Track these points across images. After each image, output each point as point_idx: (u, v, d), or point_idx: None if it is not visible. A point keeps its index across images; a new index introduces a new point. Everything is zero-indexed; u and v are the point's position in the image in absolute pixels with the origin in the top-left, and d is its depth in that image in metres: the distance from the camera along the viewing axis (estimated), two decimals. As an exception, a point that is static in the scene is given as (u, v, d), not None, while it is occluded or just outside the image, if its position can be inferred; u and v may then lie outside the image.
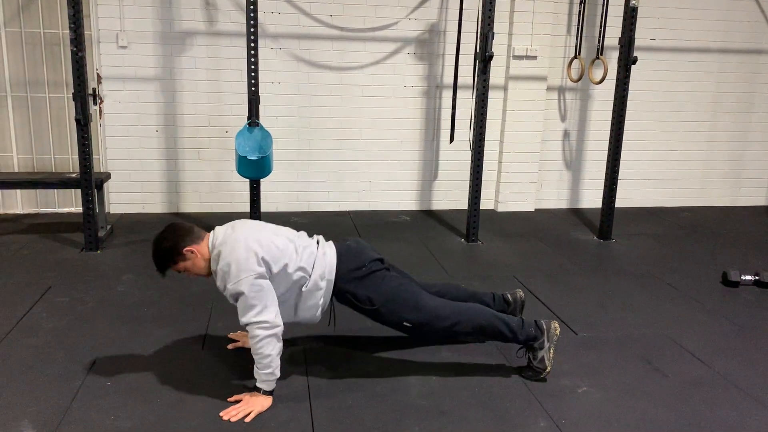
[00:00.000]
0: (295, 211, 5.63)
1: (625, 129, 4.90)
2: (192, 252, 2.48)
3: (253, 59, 4.19)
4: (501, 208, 5.87)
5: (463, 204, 5.42)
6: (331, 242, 2.71)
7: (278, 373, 2.45)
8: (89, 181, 4.23)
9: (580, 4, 5.40)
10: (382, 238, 4.83)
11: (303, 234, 2.70)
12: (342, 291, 2.61)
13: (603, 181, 5.02)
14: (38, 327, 3.11)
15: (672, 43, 5.90)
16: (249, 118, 4.27)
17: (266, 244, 2.46)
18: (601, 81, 5.14)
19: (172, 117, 5.31)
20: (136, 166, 5.34)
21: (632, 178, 6.14)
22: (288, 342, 2.86)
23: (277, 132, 5.34)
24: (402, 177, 5.75)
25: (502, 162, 5.78)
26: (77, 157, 4.23)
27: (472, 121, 4.79)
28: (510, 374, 2.77)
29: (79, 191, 4.75)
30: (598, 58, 5.18)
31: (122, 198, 5.39)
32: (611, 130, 4.86)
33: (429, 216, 5.62)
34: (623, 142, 4.93)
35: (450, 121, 5.24)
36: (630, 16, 4.58)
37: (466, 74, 5.29)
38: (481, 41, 4.58)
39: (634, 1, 4.53)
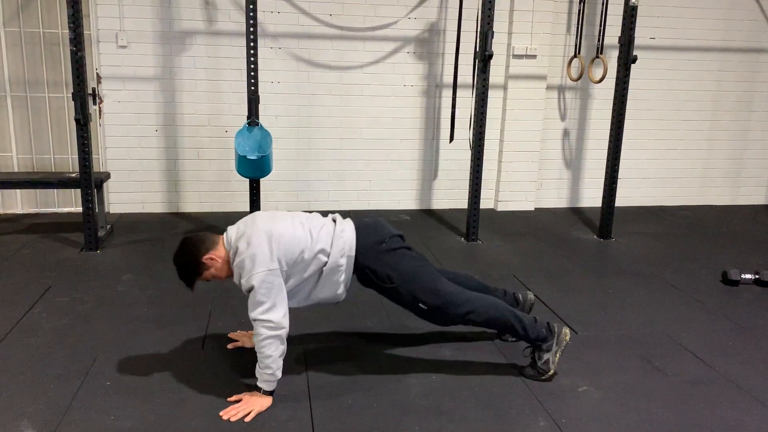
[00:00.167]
0: (295, 211, 5.62)
1: (624, 128, 4.90)
2: (212, 259, 2.51)
3: (252, 59, 4.19)
4: (501, 208, 5.87)
5: (462, 203, 5.42)
6: (348, 219, 2.70)
7: (279, 375, 2.45)
8: (89, 181, 4.23)
9: (580, 2, 5.39)
10: (382, 238, 4.83)
11: (315, 215, 2.68)
12: (362, 267, 2.59)
13: (603, 180, 5.02)
14: (38, 327, 3.11)
15: (672, 42, 5.89)
16: (248, 117, 4.26)
17: (279, 236, 2.45)
18: (601, 80, 5.14)
19: (172, 117, 5.31)
20: (135, 165, 5.34)
21: (632, 177, 6.14)
22: (288, 341, 2.85)
23: (277, 131, 5.33)
24: (402, 176, 5.75)
25: (502, 161, 5.77)
26: (77, 156, 4.23)
27: (472, 120, 4.78)
28: (510, 374, 2.77)
29: (78, 191, 4.75)
30: (597, 57, 5.18)
31: (122, 198, 5.39)
32: (611, 129, 4.86)
33: (429, 215, 5.62)
34: (623, 141, 4.93)
35: (450, 120, 5.24)
36: (630, 14, 4.58)
37: (466, 73, 5.28)
38: (480, 40, 4.58)
39: (633, 0, 4.52)
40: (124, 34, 5.08)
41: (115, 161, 5.30)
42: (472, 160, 4.80)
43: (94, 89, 5.07)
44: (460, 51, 5.06)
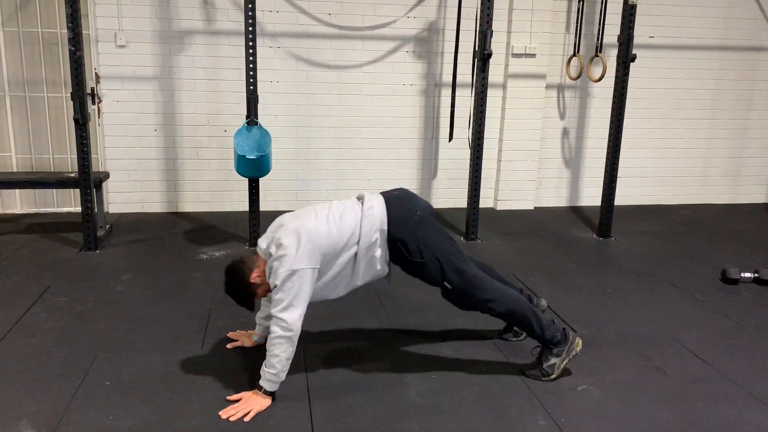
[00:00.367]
0: (294, 210, 5.61)
1: (624, 127, 4.89)
2: (258, 276, 2.53)
3: (251, 58, 4.18)
4: (500, 207, 5.87)
5: (462, 202, 5.42)
6: (377, 194, 2.68)
7: (282, 377, 2.45)
8: (88, 181, 4.23)
9: (579, 1, 5.39)
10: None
11: (339, 203, 2.64)
12: (394, 240, 2.56)
13: (602, 178, 5.02)
14: (37, 327, 3.10)
15: (671, 41, 5.89)
16: (248, 117, 4.26)
17: (307, 235, 2.43)
18: (600, 79, 5.14)
19: (171, 116, 5.30)
20: (134, 165, 5.34)
21: (631, 175, 6.13)
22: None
23: (276, 131, 5.33)
24: (401, 175, 5.75)
25: (502, 160, 5.77)
26: (76, 156, 4.22)
27: (471, 119, 4.78)
28: (510, 373, 2.77)
29: (77, 191, 4.75)
30: (597, 55, 5.17)
31: (121, 197, 5.38)
32: (610, 127, 4.85)
33: (428, 214, 5.61)
34: (622, 139, 4.92)
35: (449, 119, 5.23)
36: (629, 13, 4.58)
37: (465, 72, 5.28)
38: (479, 39, 4.57)
39: (632, -1, 4.52)
40: (123, 34, 5.07)
41: (114, 161, 5.30)
42: (471, 159, 4.80)
43: (92, 89, 5.06)
44: (459, 50, 5.06)
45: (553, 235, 5.05)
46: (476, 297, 2.64)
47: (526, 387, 2.65)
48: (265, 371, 2.43)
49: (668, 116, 6.09)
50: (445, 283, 2.62)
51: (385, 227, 2.55)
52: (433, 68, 5.59)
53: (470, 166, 4.82)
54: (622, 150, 5.01)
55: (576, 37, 5.42)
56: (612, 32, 5.30)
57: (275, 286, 2.42)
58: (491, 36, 4.52)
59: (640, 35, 5.58)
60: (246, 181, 4.64)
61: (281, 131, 5.42)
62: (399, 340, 3.07)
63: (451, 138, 5.22)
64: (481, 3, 4.52)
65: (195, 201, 5.51)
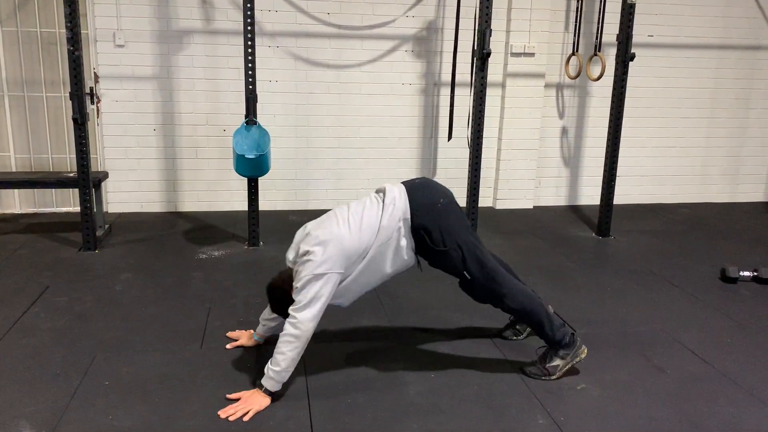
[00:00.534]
0: (294, 210, 5.63)
1: (623, 126, 4.89)
2: (296, 288, 2.53)
3: (250, 57, 4.18)
4: (499, 206, 5.87)
5: (461, 201, 5.36)
6: (399, 184, 2.67)
7: (285, 378, 2.45)
8: (87, 181, 4.23)
9: (578, 0, 5.39)
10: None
11: (359, 204, 2.62)
12: (417, 228, 2.55)
13: (601, 178, 5.02)
14: (36, 327, 3.10)
15: (670, 40, 5.89)
16: (246, 116, 4.26)
17: (329, 242, 2.44)
18: (599, 78, 5.14)
19: (170, 116, 5.30)
20: (133, 165, 5.34)
21: (630, 174, 6.14)
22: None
23: (275, 130, 5.32)
24: (400, 175, 5.74)
25: (501, 159, 5.77)
26: (75, 156, 4.22)
27: (470, 118, 4.78)
28: (509, 372, 2.77)
29: (76, 191, 4.75)
30: (595, 54, 5.17)
31: (120, 197, 5.38)
32: (609, 126, 4.85)
33: (427, 214, 5.61)
34: (621, 138, 4.92)
35: (448, 118, 5.23)
36: (628, 12, 4.58)
37: (464, 71, 5.27)
38: (478, 38, 4.57)
39: (631, -2, 4.52)
40: (122, 34, 5.07)
41: (113, 160, 5.29)
42: (470, 159, 4.80)
43: (91, 89, 5.06)
44: (458, 49, 5.06)
45: (553, 234, 5.05)
46: (493, 289, 2.64)
47: (525, 386, 2.65)
48: (269, 368, 2.43)
49: (667, 115, 6.09)
50: (465, 273, 2.62)
51: (409, 216, 2.55)
52: (432, 67, 5.59)
53: (469, 165, 4.82)
54: (621, 149, 5.01)
55: (575, 36, 5.42)
56: (611, 31, 5.30)
57: (296, 288, 2.44)
58: (490, 35, 4.52)
59: (638, 34, 5.57)
60: (245, 180, 4.64)
61: (280, 131, 5.42)
62: (398, 340, 3.07)
63: (450, 137, 5.22)
64: (480, 2, 4.51)
65: (194, 200, 5.50)
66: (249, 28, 4.12)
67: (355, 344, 3.01)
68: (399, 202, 2.56)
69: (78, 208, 4.50)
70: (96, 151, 5.25)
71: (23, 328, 3.09)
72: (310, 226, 2.59)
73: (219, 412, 2.38)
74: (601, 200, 5.00)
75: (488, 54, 4.54)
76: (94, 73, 5.11)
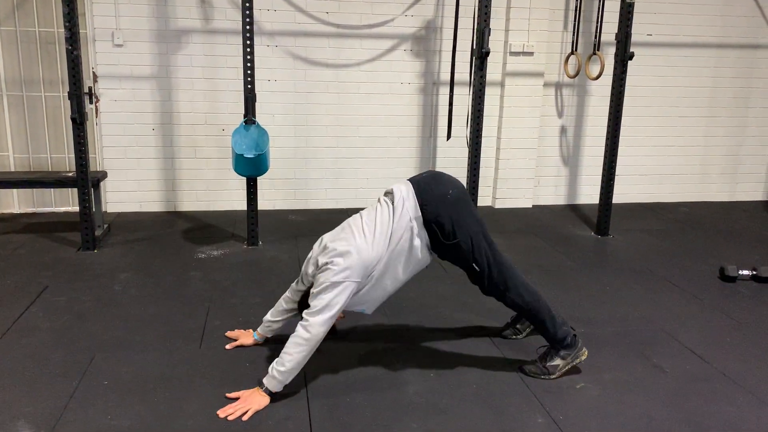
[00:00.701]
0: (293, 209, 5.63)
1: (622, 125, 4.90)
2: None
3: (249, 57, 4.17)
4: (498, 205, 5.87)
5: (460, 201, 5.41)
6: (405, 181, 2.67)
7: (288, 380, 2.45)
8: (85, 180, 4.22)
9: (577, -1, 5.39)
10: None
11: (364, 213, 2.64)
12: (429, 222, 2.55)
13: (600, 176, 5.02)
14: (35, 327, 3.10)
15: (669, 39, 5.89)
16: (245, 115, 4.25)
17: (349, 253, 2.45)
18: (598, 77, 5.14)
19: (169, 115, 5.30)
20: (132, 164, 5.33)
21: (629, 173, 6.14)
22: (284, 339, 2.85)
23: (274, 130, 5.32)
24: (399, 174, 5.74)
25: (500, 158, 5.78)
26: (73, 156, 4.22)
27: (469, 117, 4.78)
28: (508, 371, 2.77)
29: (75, 190, 4.74)
30: (594, 53, 5.17)
31: (119, 197, 5.38)
32: (608, 125, 4.85)
33: (426, 213, 5.61)
34: (620, 137, 4.93)
35: (447, 117, 5.23)
36: (626, 11, 4.58)
37: (463, 71, 5.27)
38: (477, 37, 4.57)
39: (630, -3, 4.52)
40: (120, 33, 5.06)
41: (111, 160, 5.29)
42: (469, 158, 4.80)
43: (90, 88, 5.06)
44: (457, 48, 5.06)
45: (552, 233, 5.05)
46: (499, 282, 2.64)
47: (524, 385, 2.65)
48: (274, 368, 2.44)
49: (666, 114, 6.09)
50: (474, 264, 2.62)
51: (419, 213, 2.55)
52: (431, 66, 5.59)
53: (468, 164, 4.82)
54: (620, 148, 5.02)
55: (574, 35, 5.42)
56: (610, 30, 5.30)
57: (313, 293, 2.46)
58: (489, 34, 4.52)
59: (637, 33, 5.58)
60: (244, 180, 4.64)
61: (279, 130, 5.41)
62: (398, 339, 3.06)
63: (449, 136, 5.22)
64: (479, 1, 4.51)
65: (193, 200, 5.50)
66: (248, 27, 4.12)
67: (354, 343, 3.01)
68: (408, 202, 2.56)
69: (77, 208, 4.49)
70: (95, 151, 5.25)
71: (22, 327, 3.08)
72: (326, 238, 2.61)
73: (218, 412, 2.38)
74: (600, 199, 5.00)
75: (487, 53, 4.54)
76: (93, 72, 5.11)
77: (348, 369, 2.76)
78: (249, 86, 4.22)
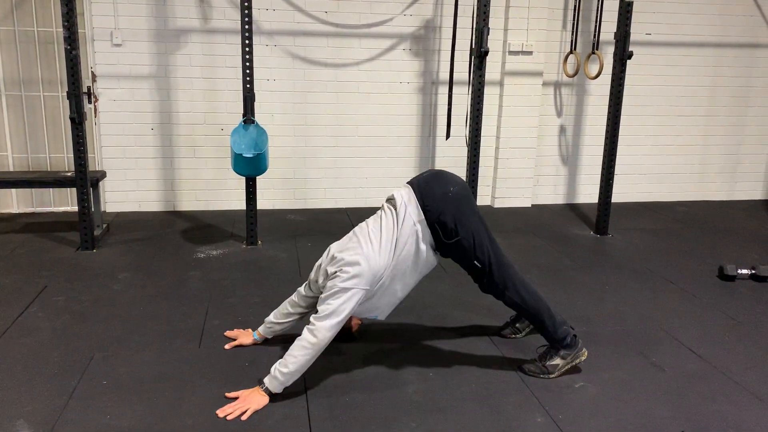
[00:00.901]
0: (292, 209, 5.63)
1: (621, 124, 4.90)
2: None
3: (248, 56, 4.17)
4: (498, 204, 5.87)
5: (459, 200, 5.41)
6: (405, 185, 2.68)
7: (290, 381, 2.46)
8: (84, 180, 4.22)
9: (576, -1, 5.39)
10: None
11: (369, 221, 2.65)
12: (432, 222, 2.56)
13: (599, 176, 5.02)
14: (34, 326, 3.10)
15: (668, 38, 5.89)
16: (244, 115, 4.25)
17: (358, 262, 2.46)
18: (597, 76, 5.14)
19: (168, 115, 5.29)
20: (131, 164, 5.33)
21: (628, 173, 6.14)
22: (283, 339, 2.86)
23: (273, 129, 5.32)
24: (398, 173, 5.74)
25: (499, 158, 5.78)
26: (72, 155, 4.21)
27: (468, 117, 4.78)
28: (507, 370, 2.77)
29: (74, 190, 4.73)
30: (593, 53, 5.18)
31: (118, 197, 5.37)
32: (607, 125, 4.86)
33: (426, 212, 5.61)
34: (619, 136, 4.93)
35: (446, 117, 5.23)
36: (625, 10, 4.58)
37: (462, 70, 5.28)
38: (476, 37, 4.57)
39: (629, -4, 4.52)
40: (119, 32, 5.06)
41: (110, 160, 5.29)
42: (468, 157, 4.80)
43: (89, 88, 5.05)
44: (456, 48, 5.05)
45: (551, 232, 5.05)
46: (500, 281, 2.65)
47: (523, 384, 2.65)
48: (277, 369, 2.44)
49: (665, 113, 6.09)
50: (476, 262, 2.63)
51: (423, 217, 2.56)
52: (430, 66, 5.59)
53: (467, 163, 4.82)
54: (619, 147, 5.02)
55: (573, 34, 5.42)
56: (609, 29, 5.30)
57: (321, 298, 2.47)
58: (488, 33, 4.52)
59: (636, 32, 5.58)
60: (243, 179, 4.64)
61: (278, 129, 5.41)
62: (396, 338, 3.07)
63: (448, 136, 5.22)
64: (478, 0, 4.51)
65: (192, 200, 5.50)
66: (247, 26, 4.12)
67: (353, 343, 3.01)
68: (410, 206, 2.58)
69: (76, 208, 4.49)
70: (94, 151, 5.25)
71: (21, 327, 3.08)
72: (333, 248, 2.62)
73: (217, 411, 2.38)
74: (599, 198, 5.00)
75: (486, 52, 4.54)
76: (92, 72, 5.11)
77: (347, 368, 2.76)
78: (248, 86, 4.22)
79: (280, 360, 2.46)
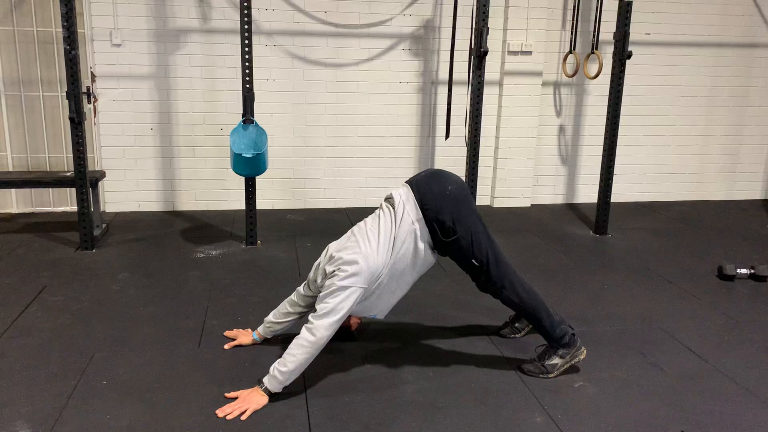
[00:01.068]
0: (291, 209, 5.63)
1: (620, 124, 4.90)
2: None
3: (247, 56, 4.17)
4: (497, 204, 5.87)
5: (459, 200, 5.41)
6: (403, 184, 2.68)
7: (289, 381, 2.46)
8: (84, 180, 4.22)
9: (575, -2, 5.39)
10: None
11: (368, 221, 2.66)
12: (431, 221, 2.56)
13: (599, 175, 5.03)
14: (33, 326, 3.10)
15: (667, 38, 5.90)
16: (244, 115, 4.25)
17: (357, 261, 2.47)
18: (596, 76, 5.14)
19: (167, 115, 5.29)
20: (131, 164, 5.33)
21: (628, 172, 6.14)
22: (283, 339, 2.86)
23: (272, 129, 5.33)
24: (398, 173, 5.75)
25: (498, 158, 5.78)
26: (72, 155, 4.21)
27: (468, 116, 4.78)
28: (506, 369, 2.77)
29: (74, 190, 4.74)
30: (592, 52, 5.18)
31: (117, 197, 5.37)
32: (606, 124, 4.86)
33: (425, 212, 5.61)
34: (618, 136, 4.93)
35: (446, 117, 5.23)
36: (625, 10, 4.58)
37: (461, 70, 5.28)
38: (475, 37, 4.57)
39: (628, -4, 4.52)
40: (119, 32, 5.06)
41: (110, 160, 5.29)
42: (467, 157, 4.80)
43: (88, 88, 5.05)
44: (456, 48, 5.05)
45: (550, 232, 5.05)
46: (498, 279, 2.65)
47: (522, 384, 2.65)
48: (276, 368, 2.44)
49: (664, 113, 6.10)
50: (473, 260, 2.63)
51: (421, 215, 2.57)
52: (430, 66, 5.59)
53: (467, 163, 4.82)
54: (618, 147, 5.02)
55: (572, 34, 5.42)
56: (608, 29, 5.31)
57: (319, 297, 2.48)
58: (487, 33, 4.52)
59: (635, 32, 5.59)
60: (242, 179, 4.64)
61: (277, 129, 5.42)
62: (396, 338, 3.07)
63: (447, 136, 5.22)
64: (477, 0, 4.52)
65: (191, 200, 5.50)
66: (246, 26, 4.12)
67: (352, 343, 3.01)
68: (408, 205, 2.58)
69: (75, 208, 4.49)
70: (93, 151, 5.25)
71: (21, 327, 3.08)
72: (331, 248, 2.63)
73: (216, 411, 2.38)
74: (599, 198, 5.00)
75: (485, 52, 4.55)
76: (91, 72, 5.11)
77: (347, 368, 2.76)
78: (247, 86, 4.22)
79: (279, 359, 2.46)
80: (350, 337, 3.02)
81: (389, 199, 2.66)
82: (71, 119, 4.08)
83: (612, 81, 4.77)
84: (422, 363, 2.82)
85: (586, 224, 5.30)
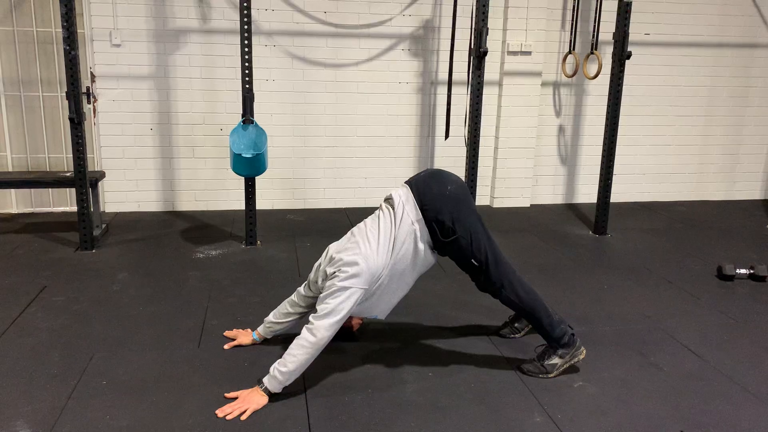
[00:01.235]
0: (291, 209, 5.63)
1: (619, 124, 4.90)
2: None
3: (247, 56, 4.17)
4: (497, 204, 5.88)
5: (458, 200, 5.41)
6: (403, 185, 2.69)
7: (289, 381, 2.46)
8: (83, 180, 4.22)
9: (575, -1, 5.40)
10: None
11: (368, 221, 2.66)
12: (430, 221, 2.57)
13: (598, 176, 5.03)
14: (33, 327, 3.10)
15: (666, 38, 5.90)
16: (243, 115, 4.25)
17: (357, 262, 2.47)
18: (596, 76, 5.14)
19: (167, 115, 5.30)
20: (130, 164, 5.33)
21: (627, 172, 6.15)
22: (283, 339, 2.86)
23: (272, 129, 5.33)
24: (397, 174, 5.75)
25: (498, 158, 5.78)
26: (71, 156, 4.22)
27: (467, 117, 4.79)
28: (506, 369, 2.77)
29: (73, 190, 4.74)
30: (592, 53, 5.18)
31: (117, 197, 5.37)
32: (606, 125, 4.86)
33: (425, 212, 5.61)
34: (618, 136, 4.93)
35: (445, 117, 5.23)
36: (624, 10, 4.58)
37: (461, 70, 5.28)
38: (475, 37, 4.58)
39: (628, -4, 4.53)
40: (118, 33, 5.06)
41: (110, 160, 5.29)
42: (467, 157, 4.81)
43: (88, 88, 5.05)
44: (455, 48, 5.06)
45: (550, 232, 5.06)
46: (497, 279, 2.65)
47: (522, 384, 2.65)
48: (276, 369, 2.44)
49: (664, 113, 6.10)
50: (473, 260, 2.63)
51: (420, 216, 2.57)
52: (429, 66, 5.59)
53: (466, 163, 4.82)
54: (617, 147, 5.03)
55: (571, 34, 5.43)
56: (607, 29, 5.31)
57: (320, 298, 2.48)
58: (487, 34, 4.52)
59: (635, 32, 5.59)
60: (242, 179, 4.64)
61: (277, 130, 5.42)
62: (395, 338, 3.07)
63: (447, 136, 5.22)
64: (477, 1, 4.52)
65: (191, 200, 5.50)
66: (246, 27, 4.12)
67: (352, 343, 3.01)
68: (407, 205, 2.59)
69: (75, 208, 4.49)
70: (93, 151, 5.25)
71: (21, 327, 3.08)
72: (332, 249, 2.63)
73: (216, 411, 2.39)
74: (598, 198, 5.00)
75: (485, 53, 4.55)
76: (91, 72, 5.11)
77: (346, 368, 2.76)
78: (247, 86, 4.22)
79: (279, 359, 2.46)
80: (351, 338, 3.02)
81: (389, 200, 2.66)
82: (71, 119, 4.08)
83: (611, 81, 4.77)
84: (422, 363, 2.82)
85: (586, 224, 5.30)
